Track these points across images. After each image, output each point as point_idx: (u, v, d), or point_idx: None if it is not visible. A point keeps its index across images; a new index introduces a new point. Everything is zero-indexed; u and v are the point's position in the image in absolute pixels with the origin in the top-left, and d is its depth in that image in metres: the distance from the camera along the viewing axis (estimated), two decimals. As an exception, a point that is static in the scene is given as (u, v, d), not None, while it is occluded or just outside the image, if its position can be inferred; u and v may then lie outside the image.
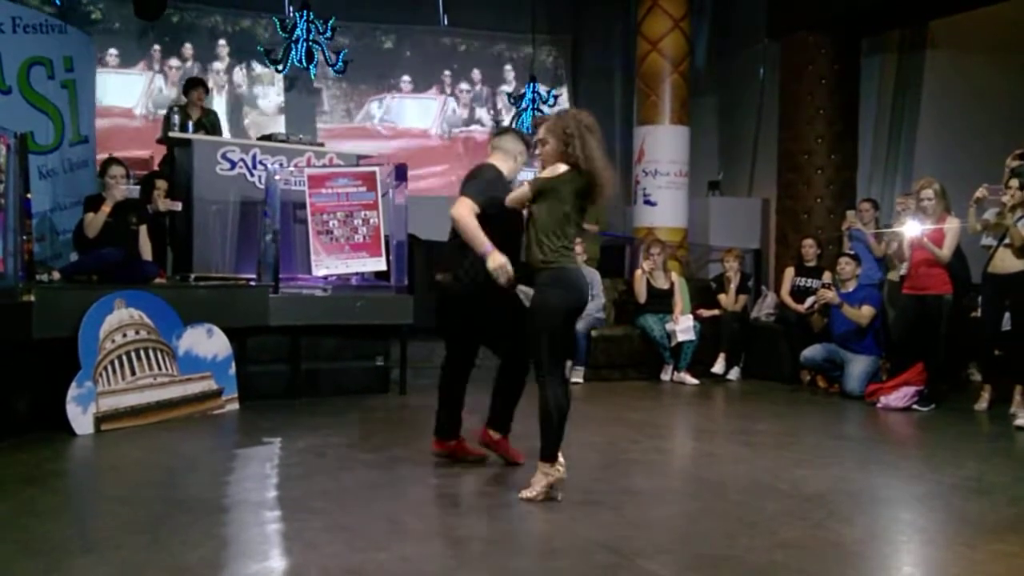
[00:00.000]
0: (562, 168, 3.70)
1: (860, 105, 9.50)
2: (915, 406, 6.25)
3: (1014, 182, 5.96)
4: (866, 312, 6.89)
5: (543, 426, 3.69)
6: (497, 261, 3.76)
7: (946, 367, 6.58)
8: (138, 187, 6.70)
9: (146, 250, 6.22)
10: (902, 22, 9.66)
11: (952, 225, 6.23)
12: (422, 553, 3.04)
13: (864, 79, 9.59)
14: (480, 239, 3.82)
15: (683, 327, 7.65)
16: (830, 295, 6.99)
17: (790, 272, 8.03)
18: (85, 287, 5.58)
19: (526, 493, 3.67)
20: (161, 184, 6.64)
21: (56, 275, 5.91)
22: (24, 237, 5.25)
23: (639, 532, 3.39)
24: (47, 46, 6.77)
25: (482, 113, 12.64)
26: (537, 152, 3.93)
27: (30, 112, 6.60)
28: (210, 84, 9.60)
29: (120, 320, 5.14)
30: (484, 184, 4.04)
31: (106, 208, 5.90)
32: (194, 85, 7.67)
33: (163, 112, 8.07)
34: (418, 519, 3.43)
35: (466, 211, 3.89)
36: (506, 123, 11.75)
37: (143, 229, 6.23)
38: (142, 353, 5.21)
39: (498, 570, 2.96)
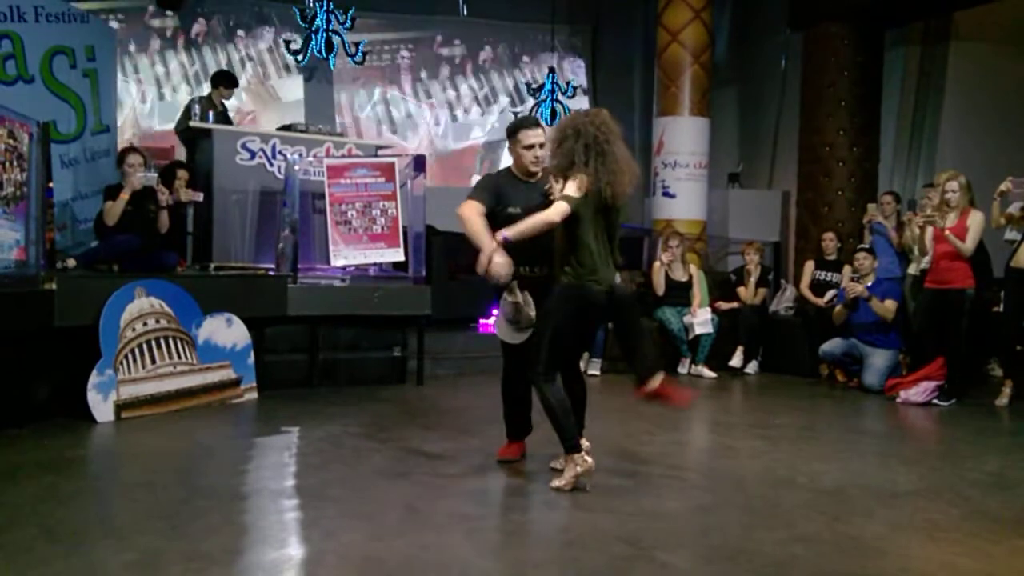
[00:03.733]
0: (576, 190, 3.62)
1: (883, 97, 9.41)
2: (935, 401, 6.20)
3: (1039, 175, 5.89)
4: (890, 306, 6.84)
5: (553, 424, 3.74)
6: (491, 261, 3.65)
7: (967, 362, 6.51)
8: (155, 175, 6.72)
9: (163, 222, 6.21)
10: (926, 13, 9.56)
11: (975, 219, 6.16)
12: (439, 542, 3.04)
13: (887, 71, 9.49)
14: (481, 235, 3.75)
15: (701, 320, 7.62)
16: (859, 288, 6.92)
17: (810, 265, 7.99)
18: (106, 276, 5.63)
19: (556, 483, 3.73)
20: (182, 174, 6.67)
21: (71, 262, 5.94)
22: (46, 226, 5.29)
23: (656, 524, 3.39)
24: (69, 35, 6.80)
25: (503, 103, 12.64)
26: (539, 156, 3.92)
27: (53, 101, 6.64)
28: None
29: (140, 309, 5.18)
30: (477, 188, 4.04)
31: (124, 196, 5.94)
32: (228, 81, 7.67)
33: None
34: (435, 509, 3.44)
35: (469, 210, 3.85)
36: (525, 114, 11.75)
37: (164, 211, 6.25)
38: (162, 341, 5.24)
39: (515, 560, 2.96)
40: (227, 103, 7.77)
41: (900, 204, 7.79)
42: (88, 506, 3.49)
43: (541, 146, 3.96)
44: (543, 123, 4.12)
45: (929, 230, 6.41)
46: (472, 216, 3.83)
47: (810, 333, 7.52)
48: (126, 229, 5.94)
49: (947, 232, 6.15)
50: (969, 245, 6.16)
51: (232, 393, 5.63)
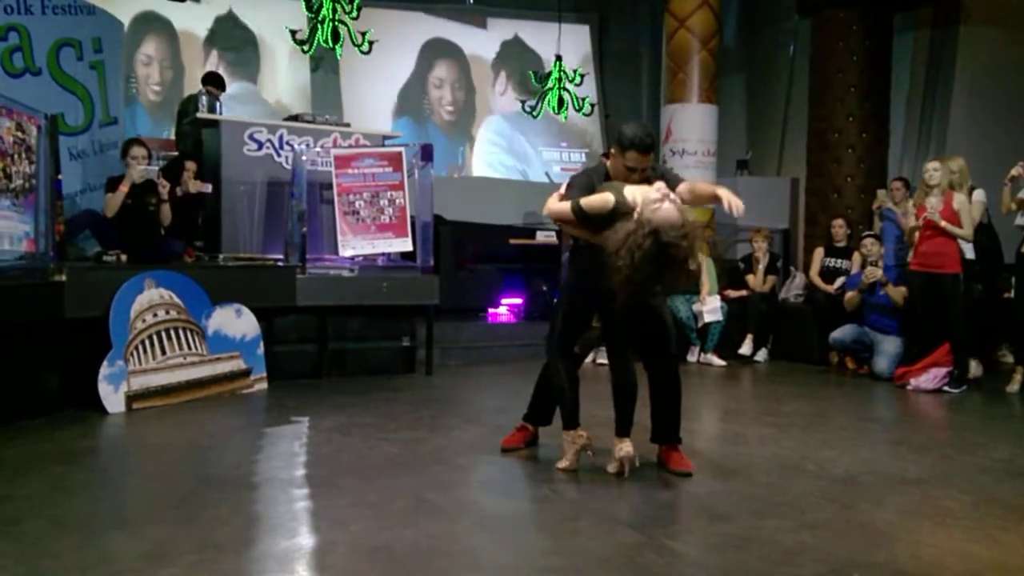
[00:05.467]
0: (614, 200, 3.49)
1: (892, 82, 9.36)
2: (946, 388, 6.17)
3: (1050, 160, 5.85)
4: (903, 291, 6.81)
5: (556, 399, 3.86)
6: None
7: (971, 346, 6.45)
8: (156, 168, 6.73)
9: (166, 217, 6.22)
10: (935, -3, 9.51)
11: (959, 201, 6.13)
12: (448, 531, 3.05)
13: (896, 56, 9.44)
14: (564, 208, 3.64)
15: (710, 308, 7.61)
16: (878, 273, 6.88)
17: (819, 252, 7.95)
18: (115, 267, 5.65)
19: (561, 464, 3.80)
20: (190, 166, 6.69)
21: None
22: (55, 218, 5.31)
23: (664, 512, 3.39)
24: (76, 27, 6.81)
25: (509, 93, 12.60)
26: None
27: (60, 93, 6.65)
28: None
29: (150, 300, 5.20)
30: (571, 187, 3.82)
31: (123, 188, 5.94)
32: (217, 83, 7.73)
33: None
34: (444, 497, 3.44)
35: (554, 203, 3.75)
36: (531, 102, 11.67)
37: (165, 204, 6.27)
38: (172, 333, 5.26)
39: (523, 548, 2.97)
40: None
41: (910, 190, 7.75)
42: (99, 497, 3.51)
43: (643, 171, 3.70)
44: (656, 145, 3.67)
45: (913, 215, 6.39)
46: (554, 205, 3.70)
47: (820, 320, 7.49)
48: (125, 221, 5.94)
49: (944, 224, 6.10)
50: (967, 230, 6.12)
51: (242, 383, 5.65)
